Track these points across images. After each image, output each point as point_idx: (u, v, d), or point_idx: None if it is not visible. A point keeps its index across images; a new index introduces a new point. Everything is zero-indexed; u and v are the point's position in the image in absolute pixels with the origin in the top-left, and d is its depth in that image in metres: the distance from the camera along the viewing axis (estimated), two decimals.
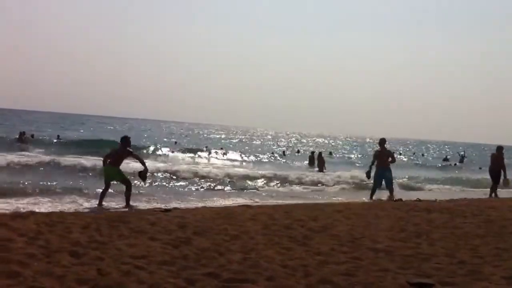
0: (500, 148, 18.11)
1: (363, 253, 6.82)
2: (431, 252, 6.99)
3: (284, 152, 45.36)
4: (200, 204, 12.27)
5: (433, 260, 6.50)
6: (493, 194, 17.84)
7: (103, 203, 11.67)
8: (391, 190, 15.78)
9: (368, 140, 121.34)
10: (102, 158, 12.56)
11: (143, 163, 12.25)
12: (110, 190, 12.13)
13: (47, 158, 21.57)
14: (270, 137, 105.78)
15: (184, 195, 14.70)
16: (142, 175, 12.26)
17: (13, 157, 20.45)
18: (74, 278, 5.04)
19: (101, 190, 12.04)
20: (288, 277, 5.48)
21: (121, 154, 12.12)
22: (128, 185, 11.87)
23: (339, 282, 5.30)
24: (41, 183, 14.72)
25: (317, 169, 28.31)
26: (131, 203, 11.70)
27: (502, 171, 17.83)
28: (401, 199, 14.75)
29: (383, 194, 16.22)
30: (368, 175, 16.14)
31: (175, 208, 10.31)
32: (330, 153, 47.67)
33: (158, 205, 11.56)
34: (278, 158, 39.98)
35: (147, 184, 12.82)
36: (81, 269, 5.40)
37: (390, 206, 12.07)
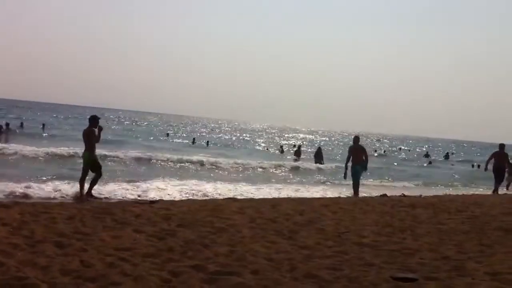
0: (503, 146, 17.90)
1: (348, 248, 6.85)
2: (415, 247, 7.03)
3: (282, 148, 44.95)
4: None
5: (417, 255, 6.53)
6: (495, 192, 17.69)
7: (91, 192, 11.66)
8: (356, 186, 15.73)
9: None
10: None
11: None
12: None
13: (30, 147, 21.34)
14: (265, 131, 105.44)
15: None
16: None
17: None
18: (58, 269, 5.01)
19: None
20: (274, 270, 5.48)
21: (85, 133, 11.92)
22: (96, 173, 11.76)
23: (324, 276, 5.31)
24: (26, 172, 14.57)
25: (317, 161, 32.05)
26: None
27: (507, 168, 17.81)
28: (386, 194, 14.84)
29: (366, 190, 16.31)
30: (345, 176, 16.12)
31: (161, 200, 10.27)
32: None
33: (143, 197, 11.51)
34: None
35: None
36: (65, 259, 5.37)
37: (376, 201, 12.13)
